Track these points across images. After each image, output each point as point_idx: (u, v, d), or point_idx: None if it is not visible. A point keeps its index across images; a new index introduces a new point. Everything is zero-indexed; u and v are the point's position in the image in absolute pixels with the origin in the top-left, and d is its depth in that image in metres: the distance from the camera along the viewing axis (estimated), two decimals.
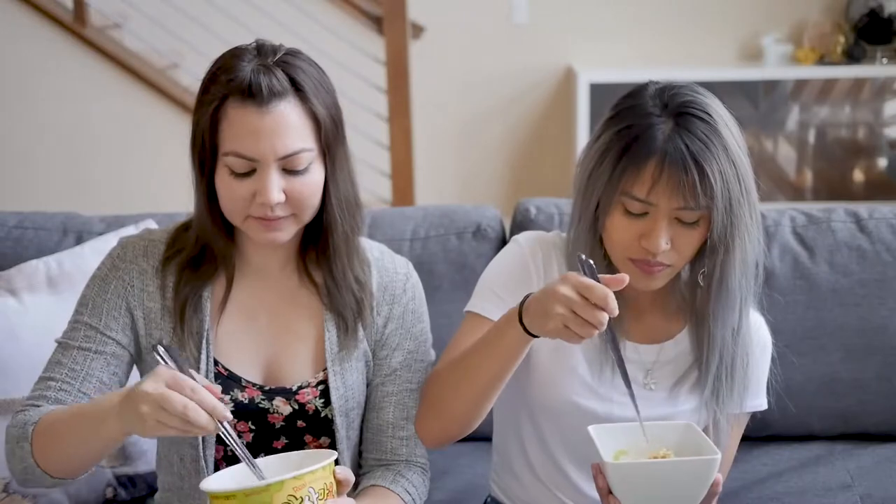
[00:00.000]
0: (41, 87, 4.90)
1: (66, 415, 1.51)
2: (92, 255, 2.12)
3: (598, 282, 1.41)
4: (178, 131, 4.90)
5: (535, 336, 1.48)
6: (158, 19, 4.96)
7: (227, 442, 1.38)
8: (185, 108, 4.85)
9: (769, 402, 1.76)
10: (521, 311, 1.49)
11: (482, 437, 1.84)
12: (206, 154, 1.55)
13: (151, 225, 2.21)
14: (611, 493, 1.44)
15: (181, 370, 1.37)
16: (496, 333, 1.53)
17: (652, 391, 1.65)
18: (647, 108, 1.55)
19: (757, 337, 1.69)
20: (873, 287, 2.12)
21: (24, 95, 4.91)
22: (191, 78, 4.97)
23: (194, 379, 1.35)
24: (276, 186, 1.53)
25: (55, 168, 4.97)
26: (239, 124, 1.52)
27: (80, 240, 2.23)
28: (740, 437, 1.74)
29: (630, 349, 1.66)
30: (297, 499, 1.31)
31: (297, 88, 1.54)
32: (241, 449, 1.38)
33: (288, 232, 1.59)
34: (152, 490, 2.07)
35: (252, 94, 1.51)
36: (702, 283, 1.60)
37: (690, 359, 1.67)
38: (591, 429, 1.48)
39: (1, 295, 2.07)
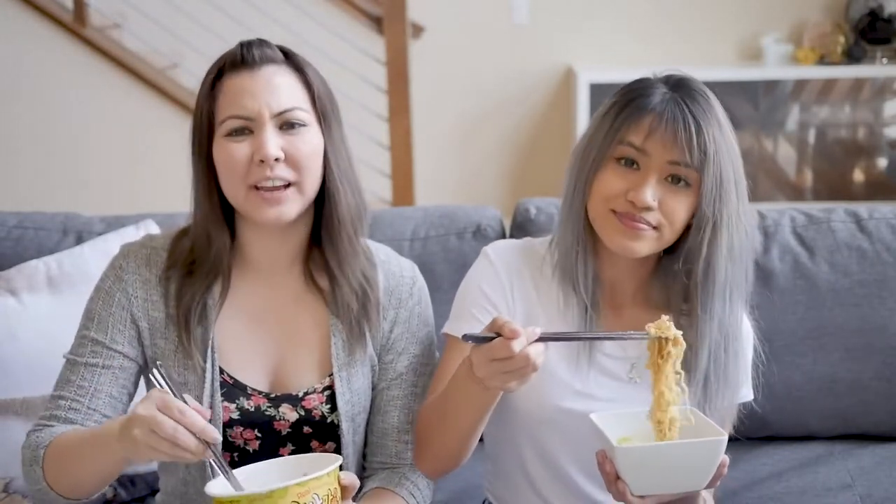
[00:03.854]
0: (41, 87, 4.89)
1: (73, 441, 1.52)
2: (92, 255, 2.12)
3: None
4: (177, 131, 4.88)
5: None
6: (158, 19, 4.96)
7: (213, 463, 1.38)
8: (185, 108, 4.85)
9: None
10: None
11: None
12: (203, 131, 1.58)
13: (151, 225, 2.21)
14: (619, 478, 1.43)
15: (174, 392, 1.37)
16: (462, 386, 1.51)
17: (637, 384, 1.63)
18: (649, 80, 1.62)
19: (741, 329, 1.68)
20: (873, 287, 2.11)
21: (24, 95, 4.91)
22: (191, 78, 4.96)
23: (185, 402, 1.35)
24: (273, 141, 1.55)
25: (55, 168, 4.97)
26: (234, 88, 1.57)
27: (80, 240, 2.23)
28: (730, 428, 1.73)
29: (613, 345, 1.65)
30: None
31: (289, 58, 1.61)
32: (225, 470, 1.38)
33: (290, 206, 1.57)
34: (152, 490, 2.07)
35: (244, 60, 1.58)
36: (688, 279, 1.59)
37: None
38: (594, 416, 1.47)
39: (1, 295, 2.07)
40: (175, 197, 5.12)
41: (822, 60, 5.20)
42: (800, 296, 2.12)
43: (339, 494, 1.38)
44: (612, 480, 1.44)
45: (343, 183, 1.62)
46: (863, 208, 2.22)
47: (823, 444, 2.16)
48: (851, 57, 5.18)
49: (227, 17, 4.87)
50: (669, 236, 1.58)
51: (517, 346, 1.37)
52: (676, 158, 1.54)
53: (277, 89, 1.57)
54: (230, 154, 1.56)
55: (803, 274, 2.13)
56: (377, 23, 4.99)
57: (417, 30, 5.27)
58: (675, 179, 1.55)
